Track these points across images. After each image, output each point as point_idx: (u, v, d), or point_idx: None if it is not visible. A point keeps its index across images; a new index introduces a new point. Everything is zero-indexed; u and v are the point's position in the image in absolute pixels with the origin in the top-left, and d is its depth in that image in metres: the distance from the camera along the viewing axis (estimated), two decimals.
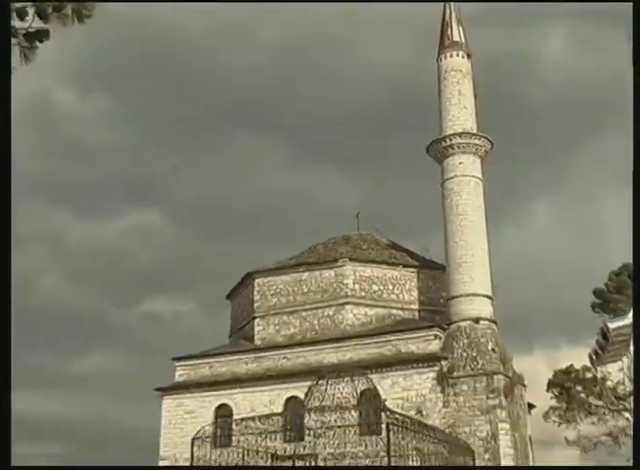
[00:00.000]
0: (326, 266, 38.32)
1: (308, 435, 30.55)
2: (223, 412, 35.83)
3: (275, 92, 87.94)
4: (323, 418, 29.11)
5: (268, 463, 30.20)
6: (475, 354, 32.45)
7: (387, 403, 29.71)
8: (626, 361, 12.06)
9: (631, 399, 12.43)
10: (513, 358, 34.97)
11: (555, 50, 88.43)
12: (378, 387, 31.08)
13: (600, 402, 37.02)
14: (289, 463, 30.72)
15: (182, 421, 36.22)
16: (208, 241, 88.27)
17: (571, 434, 37.89)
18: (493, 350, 32.80)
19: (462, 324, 33.36)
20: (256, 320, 38.93)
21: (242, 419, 30.70)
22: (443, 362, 32.59)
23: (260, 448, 29.54)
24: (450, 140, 35.99)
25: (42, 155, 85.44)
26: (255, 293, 39.37)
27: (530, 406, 37.82)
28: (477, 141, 36.24)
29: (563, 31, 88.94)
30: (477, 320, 33.32)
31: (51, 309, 77.55)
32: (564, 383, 38.04)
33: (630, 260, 35.43)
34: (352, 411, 28.78)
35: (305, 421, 30.90)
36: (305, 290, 38.24)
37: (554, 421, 38.00)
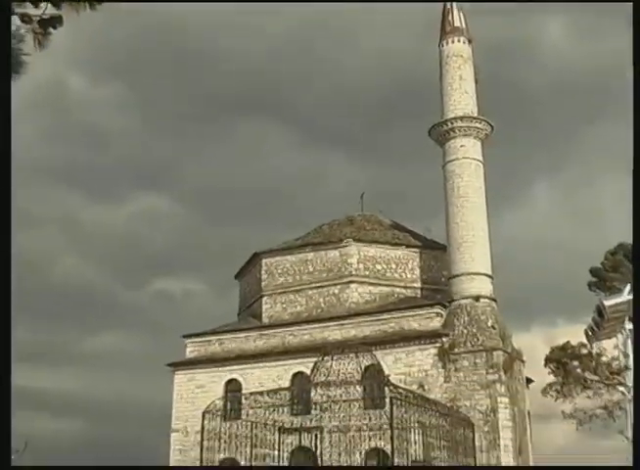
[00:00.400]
0: (331, 246, 38.35)
1: (314, 408, 30.76)
2: (232, 387, 36.02)
3: (280, 80, 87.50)
4: (328, 392, 29.27)
5: (276, 436, 30.40)
6: (475, 331, 32.51)
7: (390, 378, 29.79)
8: (621, 338, 12.08)
9: (626, 373, 12.45)
10: (512, 335, 35.06)
11: (555, 37, 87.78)
12: (381, 362, 31.15)
13: (595, 377, 37.12)
14: (296, 435, 30.94)
15: (193, 395, 36.44)
16: (216, 224, 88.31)
17: (567, 407, 38.04)
18: (493, 327, 32.85)
19: (463, 302, 33.41)
20: (264, 299, 39.04)
21: (250, 393, 30.86)
22: (445, 339, 32.67)
23: (268, 421, 29.74)
24: (452, 124, 35.88)
25: (56, 140, 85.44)
26: (263, 272, 39.44)
27: (529, 381, 37.95)
28: (477, 124, 36.12)
29: (562, 19, 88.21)
30: (477, 298, 33.36)
31: (66, 290, 77.79)
32: (561, 359, 38.10)
33: (625, 241, 35.47)
34: (357, 386, 28.92)
35: (312, 395, 31.12)
36: (311, 269, 38.30)
37: (551, 396, 38.12)
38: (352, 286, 37.22)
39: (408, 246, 38.77)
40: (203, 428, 28.64)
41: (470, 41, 37.72)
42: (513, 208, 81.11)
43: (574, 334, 36.36)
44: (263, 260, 39.73)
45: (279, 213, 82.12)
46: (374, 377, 30.60)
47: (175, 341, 39.43)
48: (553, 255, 71.74)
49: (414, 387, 30.82)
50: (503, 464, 30.46)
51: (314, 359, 31.62)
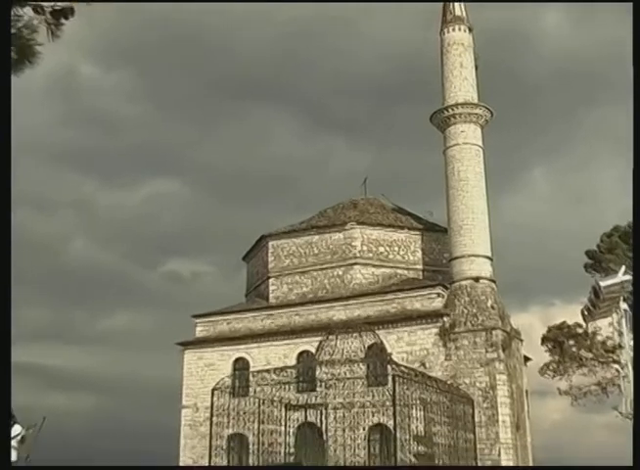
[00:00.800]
0: (335, 229, 38.35)
1: (319, 386, 30.86)
2: (240, 365, 36.17)
3: (286, 68, 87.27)
4: (333, 370, 29.37)
5: (282, 412, 30.56)
6: (475, 311, 32.55)
7: (392, 357, 29.89)
8: (616, 317, 12.09)
9: (620, 351, 12.48)
10: (510, 315, 35.13)
11: (553, 24, 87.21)
12: (384, 341, 31.25)
13: (590, 355, 37.21)
14: (301, 412, 31.09)
15: (202, 373, 36.60)
16: (225, 207, 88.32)
17: (563, 384, 38.19)
18: (492, 307, 32.88)
19: (463, 283, 33.43)
20: (271, 280, 39.10)
21: (258, 371, 30.98)
22: (445, 319, 32.72)
23: (275, 398, 29.90)
24: (452, 110, 35.76)
25: (71, 126, 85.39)
26: (269, 254, 39.49)
27: (526, 359, 38.04)
28: (477, 111, 36.00)
29: (561, 5, 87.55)
30: (477, 279, 33.37)
31: (80, 271, 78.08)
32: (557, 337, 38.20)
33: (621, 223, 35.42)
34: (360, 364, 29.01)
35: (317, 373, 31.17)
36: (316, 251, 38.32)
37: (548, 374, 38.25)
38: (356, 268, 37.26)
39: (410, 229, 38.75)
40: (212, 404, 28.82)
41: (470, 29, 37.52)
42: (512, 191, 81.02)
43: (571, 314, 36.48)
44: (270, 243, 39.76)
45: (285, 197, 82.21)
46: (377, 355, 30.69)
47: (185, 320, 39.61)
48: (550, 237, 71.75)
49: (416, 365, 30.91)
50: (501, 439, 30.58)
51: (319, 338, 31.72)
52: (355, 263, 37.33)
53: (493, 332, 32.08)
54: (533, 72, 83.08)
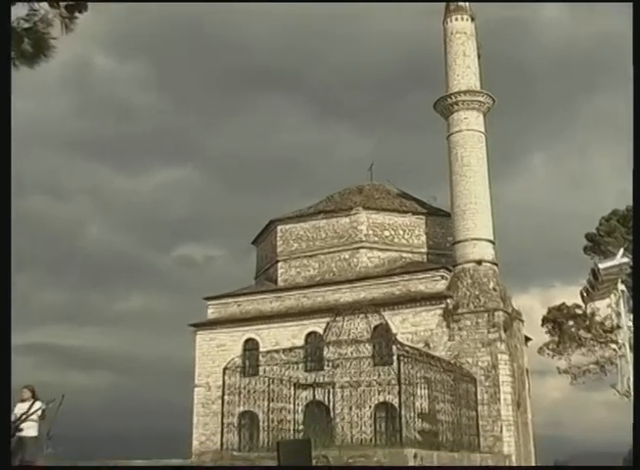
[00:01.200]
0: (342, 214, 38.35)
1: (327, 365, 30.99)
2: (250, 345, 36.30)
3: (294, 59, 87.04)
4: (340, 350, 29.50)
5: (291, 390, 30.72)
6: (477, 293, 32.56)
7: (397, 337, 29.98)
8: (614, 298, 12.07)
9: (617, 332, 12.49)
10: (512, 297, 35.13)
11: (553, 13, 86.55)
12: (389, 323, 31.31)
13: (589, 335, 37.25)
14: (309, 390, 31.25)
15: (214, 353, 36.76)
16: (236, 193, 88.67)
17: (562, 364, 38.26)
18: (494, 289, 32.89)
19: (466, 266, 33.42)
20: (279, 263, 39.16)
21: (267, 351, 31.12)
22: (449, 300, 32.74)
23: (284, 377, 30.04)
24: (455, 97, 35.63)
25: (86, 115, 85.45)
26: (278, 239, 39.52)
27: (527, 339, 38.07)
28: (480, 98, 35.86)
29: None
30: (479, 262, 33.36)
31: (97, 255, 78.43)
32: (557, 318, 38.23)
33: (619, 207, 35.30)
34: (366, 344, 29.11)
35: (324, 353, 31.33)
36: (323, 236, 38.34)
37: (548, 353, 38.31)
38: (362, 251, 37.27)
39: (414, 213, 38.72)
40: (223, 383, 28.98)
41: (472, 19, 37.31)
42: (513, 176, 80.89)
43: (570, 295, 36.51)
44: (278, 227, 39.79)
45: (293, 183, 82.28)
46: (382, 336, 30.77)
47: (197, 303, 39.76)
48: (551, 220, 71.78)
49: (420, 345, 30.97)
50: (503, 417, 30.69)
51: (327, 320, 31.84)
52: (361, 247, 37.34)
53: (495, 313, 32.10)
54: (534, 61, 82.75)
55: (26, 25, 7.04)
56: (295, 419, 30.43)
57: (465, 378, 30.34)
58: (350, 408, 30.10)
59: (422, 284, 33.94)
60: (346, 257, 37.43)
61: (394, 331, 31.46)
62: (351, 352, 28.96)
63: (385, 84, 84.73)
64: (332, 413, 30.58)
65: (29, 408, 13.63)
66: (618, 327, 12.12)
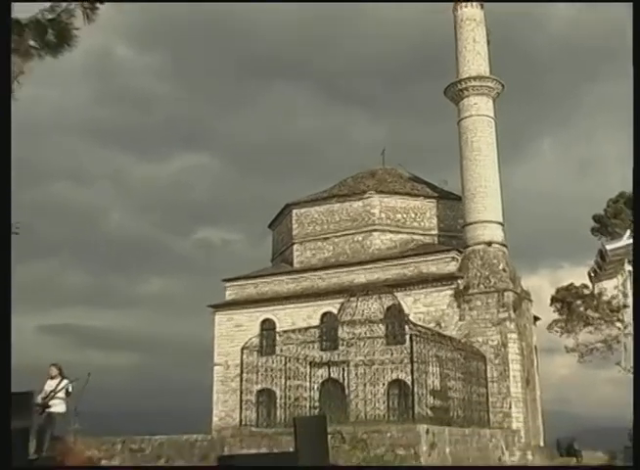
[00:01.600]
0: (355, 198, 38.33)
1: (341, 344, 31.15)
2: (267, 326, 36.46)
3: (308, 47, 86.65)
4: (354, 330, 29.63)
5: (307, 369, 30.90)
6: (487, 274, 32.52)
7: (410, 317, 30.05)
8: (621, 279, 12.06)
9: (624, 311, 12.48)
10: (521, 277, 35.05)
11: (560, 5, 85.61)
12: (402, 303, 31.37)
13: (596, 314, 37.12)
14: (325, 369, 31.42)
15: (232, 333, 36.95)
16: (252, 178, 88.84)
17: (570, 342, 38.17)
18: (504, 269, 32.83)
19: (476, 247, 33.35)
20: (295, 246, 39.24)
21: (284, 331, 31.28)
22: (460, 281, 32.73)
23: (300, 356, 30.22)
24: (465, 83, 35.40)
25: (107, 104, 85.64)
26: (294, 222, 39.58)
27: (536, 319, 38.02)
28: (489, 84, 35.62)
29: None
30: (489, 244, 33.29)
31: (118, 239, 78.88)
32: (565, 298, 38.11)
33: (626, 190, 35.06)
34: (379, 324, 29.23)
35: (339, 333, 31.49)
36: (337, 219, 38.36)
37: (556, 332, 38.24)
38: (375, 234, 37.28)
39: (426, 197, 38.64)
40: (242, 362, 29.17)
41: (482, 6, 37.01)
42: (522, 160, 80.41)
43: (578, 276, 36.39)
44: (294, 211, 39.84)
45: (308, 168, 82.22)
46: (395, 316, 30.84)
47: (216, 284, 39.95)
48: (559, 203, 71.41)
49: (432, 325, 31.01)
50: (512, 393, 30.73)
51: (341, 300, 31.97)
52: (374, 230, 37.34)
53: (505, 293, 32.07)
54: (542, 46, 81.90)
55: (50, 16, 7.09)
56: (310, 396, 30.63)
57: (475, 356, 30.38)
58: (364, 386, 30.26)
59: (433, 265, 33.93)
60: (360, 239, 37.45)
61: (407, 311, 31.54)
62: (365, 332, 29.08)
63: (397, 71, 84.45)
64: (346, 391, 30.76)
65: (57, 386, 13.81)
66: (625, 307, 12.12)
